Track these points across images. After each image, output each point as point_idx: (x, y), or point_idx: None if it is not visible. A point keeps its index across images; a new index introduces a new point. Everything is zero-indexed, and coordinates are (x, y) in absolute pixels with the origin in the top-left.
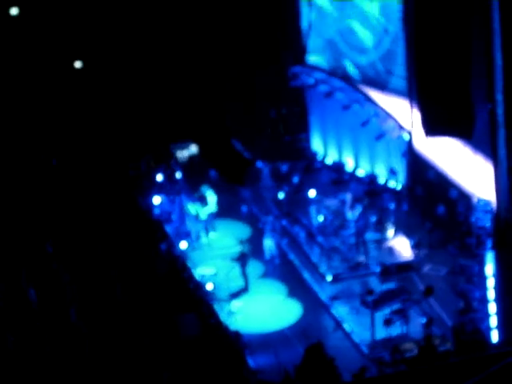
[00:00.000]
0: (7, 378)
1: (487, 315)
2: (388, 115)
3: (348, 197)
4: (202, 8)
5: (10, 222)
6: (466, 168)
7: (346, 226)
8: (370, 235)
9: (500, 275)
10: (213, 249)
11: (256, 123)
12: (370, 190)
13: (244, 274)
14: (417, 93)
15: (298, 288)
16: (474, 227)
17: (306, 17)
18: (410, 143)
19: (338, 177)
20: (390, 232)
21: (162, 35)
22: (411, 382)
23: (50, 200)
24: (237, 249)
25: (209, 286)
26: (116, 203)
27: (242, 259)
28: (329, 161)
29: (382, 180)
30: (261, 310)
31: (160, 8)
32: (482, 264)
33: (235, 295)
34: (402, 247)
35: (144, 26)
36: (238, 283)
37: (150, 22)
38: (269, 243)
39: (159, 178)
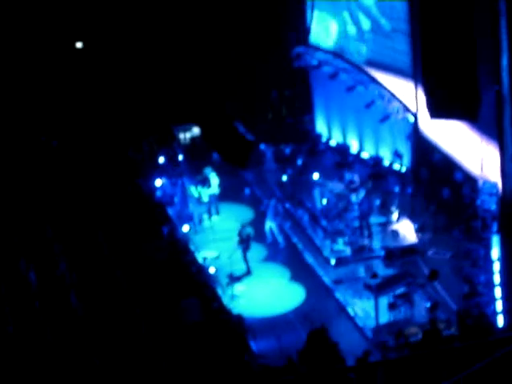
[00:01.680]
0: (7, 361)
1: (493, 299)
2: (393, 97)
3: (356, 178)
4: None
5: (10, 205)
6: (472, 150)
7: (350, 209)
8: (374, 218)
9: (506, 259)
10: (215, 232)
11: (259, 105)
12: (375, 173)
13: (245, 258)
14: (422, 74)
15: (301, 272)
16: (480, 210)
17: None
18: (415, 125)
19: (342, 159)
20: (395, 215)
21: (163, 18)
22: (415, 366)
23: (50, 182)
24: (239, 232)
25: (211, 270)
26: (117, 186)
27: (244, 243)
28: (333, 143)
29: (386, 163)
30: (263, 293)
31: None
32: (487, 248)
33: (238, 279)
34: (406, 231)
35: (146, 8)
36: (241, 267)
37: (151, 4)
38: (271, 226)
39: (161, 160)
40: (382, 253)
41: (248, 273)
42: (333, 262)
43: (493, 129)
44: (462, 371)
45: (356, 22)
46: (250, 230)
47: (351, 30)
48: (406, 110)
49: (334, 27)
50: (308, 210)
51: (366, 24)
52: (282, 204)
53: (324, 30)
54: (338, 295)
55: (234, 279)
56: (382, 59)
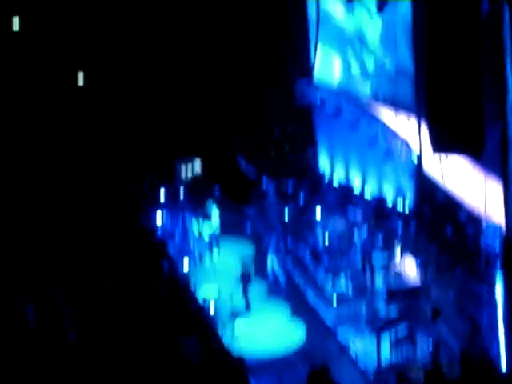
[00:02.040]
0: None
1: (497, 341)
2: (396, 135)
3: (358, 216)
4: (205, 20)
5: (8, 236)
6: (475, 189)
7: (353, 248)
8: (376, 257)
9: (508, 298)
10: (216, 268)
11: (261, 140)
12: (378, 211)
13: (246, 295)
14: (426, 109)
15: (302, 310)
16: (483, 251)
17: (314, 31)
18: (418, 164)
19: (344, 197)
20: (397, 254)
21: (164, 48)
22: None
23: (50, 215)
24: (240, 268)
25: (211, 307)
26: (117, 220)
27: (244, 280)
28: (335, 181)
29: (389, 201)
30: (264, 331)
31: (162, 21)
32: (491, 285)
33: (238, 316)
34: (409, 270)
35: (146, 39)
36: (241, 304)
37: (151, 34)
38: (272, 263)
39: (162, 194)
40: (385, 292)
41: (248, 309)
42: (334, 300)
43: (497, 166)
44: None
45: (360, 61)
46: (250, 266)
47: (355, 69)
48: (410, 148)
49: (337, 65)
50: (310, 246)
51: (369, 63)
52: (283, 240)
53: (328, 68)
54: (340, 336)
55: (234, 316)
56: (385, 98)
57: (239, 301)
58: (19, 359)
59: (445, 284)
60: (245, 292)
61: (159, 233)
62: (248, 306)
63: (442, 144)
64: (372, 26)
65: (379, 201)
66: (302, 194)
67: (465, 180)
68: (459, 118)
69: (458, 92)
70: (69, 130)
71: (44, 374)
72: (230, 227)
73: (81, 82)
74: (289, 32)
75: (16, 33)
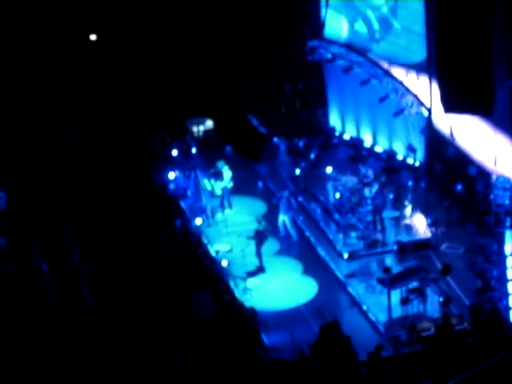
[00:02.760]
0: (19, 353)
1: (506, 294)
2: (407, 91)
3: (370, 172)
4: None
5: (23, 197)
6: (486, 145)
7: (363, 203)
8: (387, 213)
9: None
10: (228, 225)
11: (272, 98)
12: (388, 167)
13: (259, 253)
14: (436, 68)
15: (313, 265)
16: (493, 205)
17: None
18: (428, 119)
19: (355, 153)
20: (408, 209)
21: (178, 10)
22: (428, 361)
23: (64, 175)
24: (253, 225)
25: (224, 263)
26: (131, 179)
27: (257, 237)
28: (346, 137)
29: (400, 157)
30: (276, 287)
31: None
32: (500, 242)
33: (250, 273)
34: (419, 225)
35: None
36: (254, 261)
37: None
38: (284, 220)
39: (174, 153)
40: (395, 247)
41: (261, 268)
42: (345, 255)
43: (507, 123)
44: (474, 366)
45: (367, 22)
46: (264, 224)
47: (362, 28)
48: (420, 104)
49: (344, 25)
50: (321, 203)
51: (376, 24)
52: (294, 197)
53: (338, 25)
54: (351, 289)
55: (247, 274)
56: (396, 55)
57: (252, 258)
58: (34, 315)
59: (455, 239)
60: (258, 250)
61: (172, 190)
62: (261, 264)
63: (453, 104)
64: None
65: (390, 156)
66: (313, 152)
67: (475, 136)
68: (469, 78)
69: (468, 53)
70: (86, 94)
71: (58, 330)
72: (242, 185)
73: (93, 37)
74: None
75: None
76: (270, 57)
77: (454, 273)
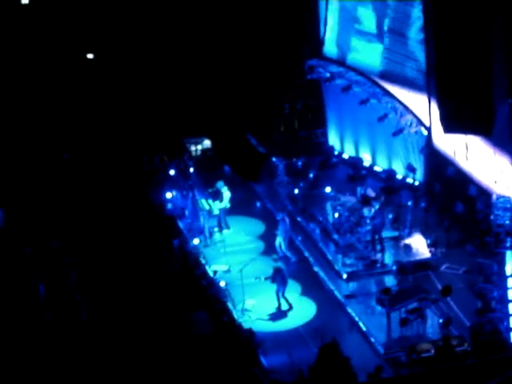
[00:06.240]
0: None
1: (506, 315)
2: (406, 110)
3: (369, 191)
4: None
5: (20, 216)
6: (486, 164)
7: (362, 223)
8: (386, 233)
9: None
10: (226, 245)
11: (271, 118)
12: (388, 187)
13: (283, 296)
14: (436, 88)
15: (312, 286)
16: (493, 225)
17: (323, 9)
18: (428, 139)
19: (354, 173)
20: (407, 230)
21: (177, 28)
22: (428, 383)
23: (61, 194)
24: (250, 245)
25: (222, 283)
26: (128, 198)
27: (276, 279)
28: (345, 156)
29: (399, 176)
30: (274, 308)
31: (177, 2)
32: (500, 263)
33: (283, 314)
34: (419, 245)
35: (159, 19)
36: (251, 281)
37: (165, 14)
38: (280, 241)
39: (172, 172)
40: (395, 267)
41: (290, 308)
42: (344, 276)
43: (507, 142)
44: None
45: (368, 36)
46: (280, 266)
47: (363, 43)
48: (420, 123)
49: (347, 42)
50: (320, 223)
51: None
52: (292, 217)
53: (337, 44)
54: (350, 310)
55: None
56: (394, 73)
57: (250, 278)
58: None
59: (455, 259)
60: (282, 293)
61: (170, 209)
62: (290, 307)
63: (452, 124)
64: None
65: (389, 176)
66: (311, 171)
67: (475, 155)
68: (469, 97)
69: (468, 71)
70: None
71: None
72: (240, 205)
73: (90, 56)
74: (299, 9)
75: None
76: (270, 76)
77: (454, 293)
